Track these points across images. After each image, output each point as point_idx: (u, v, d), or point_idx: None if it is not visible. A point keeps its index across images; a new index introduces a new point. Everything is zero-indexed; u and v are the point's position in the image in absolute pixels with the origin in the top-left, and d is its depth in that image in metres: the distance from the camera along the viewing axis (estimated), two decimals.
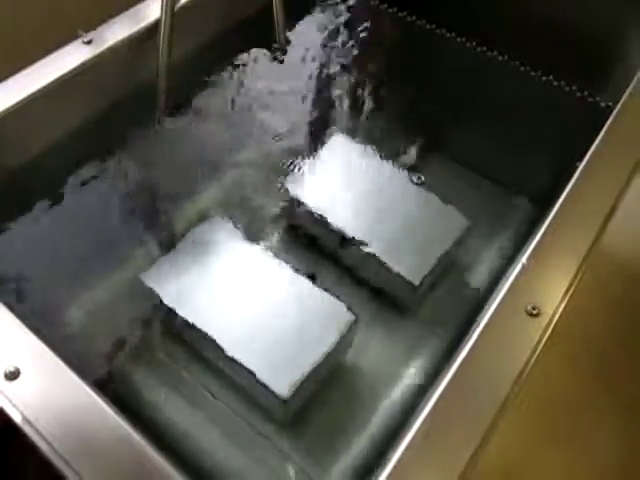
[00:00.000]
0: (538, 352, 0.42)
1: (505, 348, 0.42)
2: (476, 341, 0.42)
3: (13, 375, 0.38)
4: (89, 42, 0.61)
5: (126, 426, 0.38)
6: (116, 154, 0.66)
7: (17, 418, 0.36)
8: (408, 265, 0.58)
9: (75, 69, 0.59)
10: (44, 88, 0.57)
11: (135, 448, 0.37)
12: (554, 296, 0.45)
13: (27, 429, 0.36)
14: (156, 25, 0.64)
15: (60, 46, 0.60)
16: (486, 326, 0.43)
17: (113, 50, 0.62)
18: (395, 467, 0.37)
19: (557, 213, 0.50)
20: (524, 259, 0.46)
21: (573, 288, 0.46)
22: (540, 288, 0.45)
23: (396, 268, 0.58)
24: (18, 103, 0.56)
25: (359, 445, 0.54)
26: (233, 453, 0.53)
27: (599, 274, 0.91)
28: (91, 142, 0.64)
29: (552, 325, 0.44)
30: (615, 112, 0.57)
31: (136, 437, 0.38)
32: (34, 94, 0.57)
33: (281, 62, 0.78)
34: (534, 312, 0.44)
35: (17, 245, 0.59)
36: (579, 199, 0.51)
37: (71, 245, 0.61)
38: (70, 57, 0.60)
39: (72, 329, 0.57)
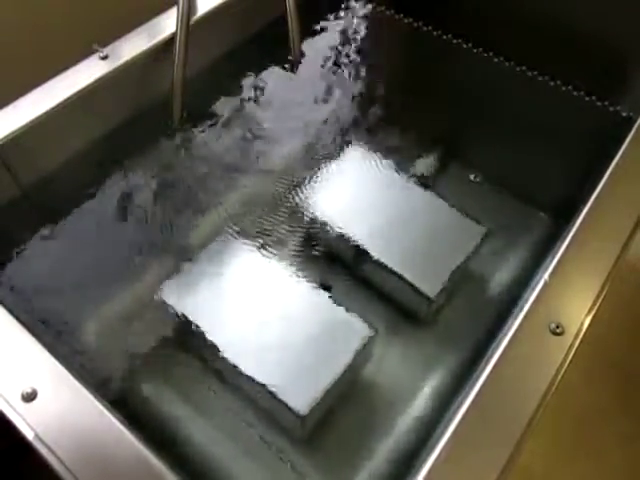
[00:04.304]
0: (562, 372, 0.41)
1: (529, 368, 0.41)
2: (499, 360, 0.42)
3: (30, 396, 0.38)
4: (105, 57, 0.61)
5: (142, 448, 0.38)
6: (132, 168, 0.66)
7: (34, 440, 0.36)
8: (424, 277, 0.58)
9: (91, 84, 0.59)
10: (61, 103, 0.58)
11: (151, 469, 0.37)
12: (578, 313, 0.44)
13: (44, 451, 0.36)
14: (171, 39, 0.64)
15: (76, 61, 0.61)
16: (509, 345, 0.42)
17: (129, 65, 0.62)
18: None
19: (580, 227, 0.49)
20: (546, 275, 0.45)
21: (597, 305, 0.45)
22: (563, 305, 0.44)
23: (412, 281, 0.57)
24: (36, 118, 0.56)
25: (377, 462, 0.53)
26: (250, 470, 0.52)
27: (624, 290, 0.89)
28: (107, 156, 0.64)
29: (576, 344, 0.42)
30: (638, 123, 0.56)
31: (152, 458, 0.37)
32: (51, 109, 0.57)
33: (295, 74, 0.77)
34: (558, 331, 0.43)
35: (34, 260, 0.59)
36: (602, 213, 0.50)
37: (87, 260, 0.61)
38: (86, 72, 0.60)
39: (88, 344, 0.57)
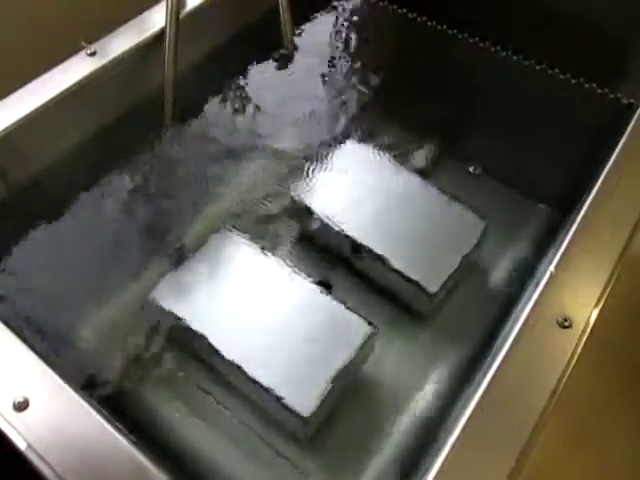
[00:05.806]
0: (572, 366, 0.40)
1: (538, 362, 0.41)
2: (506, 355, 0.41)
3: (22, 405, 0.37)
4: (93, 54, 0.60)
5: (139, 455, 0.37)
6: (123, 166, 0.65)
7: (26, 451, 0.35)
8: (425, 273, 0.57)
9: (80, 81, 0.58)
10: (49, 101, 0.57)
11: (149, 478, 0.36)
12: (585, 306, 0.43)
13: (36, 462, 0.35)
14: (161, 34, 0.63)
15: (64, 58, 0.60)
16: (516, 339, 0.42)
17: (118, 61, 0.61)
18: None
19: (584, 218, 0.48)
20: (552, 267, 0.45)
21: (605, 297, 0.44)
22: (571, 298, 0.44)
23: (413, 276, 0.56)
24: (24, 117, 0.55)
25: (382, 461, 0.52)
26: (252, 473, 0.51)
27: (632, 281, 0.88)
28: (97, 155, 0.63)
29: (585, 337, 0.42)
30: None
31: (150, 466, 0.36)
32: (39, 107, 0.56)
33: (288, 68, 0.77)
34: (565, 324, 0.42)
35: (24, 263, 0.58)
36: (607, 203, 0.49)
37: (79, 262, 0.59)
38: (75, 69, 0.59)
39: (81, 349, 0.56)
